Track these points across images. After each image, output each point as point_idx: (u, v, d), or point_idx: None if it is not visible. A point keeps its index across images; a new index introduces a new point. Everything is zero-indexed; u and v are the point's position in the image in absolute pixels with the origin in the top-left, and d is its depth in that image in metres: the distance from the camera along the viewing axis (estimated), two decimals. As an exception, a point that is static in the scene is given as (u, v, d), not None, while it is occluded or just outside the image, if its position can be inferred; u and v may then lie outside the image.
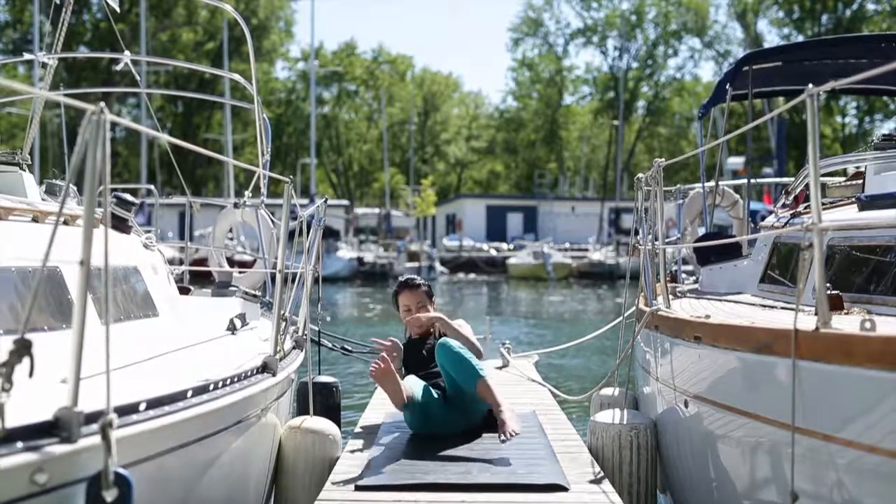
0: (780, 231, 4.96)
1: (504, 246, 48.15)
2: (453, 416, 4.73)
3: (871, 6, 50.96)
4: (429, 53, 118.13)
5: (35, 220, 4.02)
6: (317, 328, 6.30)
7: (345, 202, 52.91)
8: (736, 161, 31.54)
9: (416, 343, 5.17)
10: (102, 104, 2.16)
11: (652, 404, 4.88)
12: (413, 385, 4.73)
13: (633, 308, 5.64)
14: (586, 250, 43.72)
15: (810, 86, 2.81)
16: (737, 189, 8.05)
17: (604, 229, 48.23)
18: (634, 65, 60.96)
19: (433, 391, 4.79)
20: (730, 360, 3.42)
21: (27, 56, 7.24)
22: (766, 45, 45.66)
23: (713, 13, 63.69)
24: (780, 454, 3.04)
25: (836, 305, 3.38)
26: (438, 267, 40.28)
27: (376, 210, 52.52)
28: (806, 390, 2.80)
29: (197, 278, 7.78)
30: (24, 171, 5.09)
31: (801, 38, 48.59)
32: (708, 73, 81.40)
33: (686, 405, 4.00)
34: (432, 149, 67.10)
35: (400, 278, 5.35)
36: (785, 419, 2.89)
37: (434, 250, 43.71)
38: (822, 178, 5.27)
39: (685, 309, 4.76)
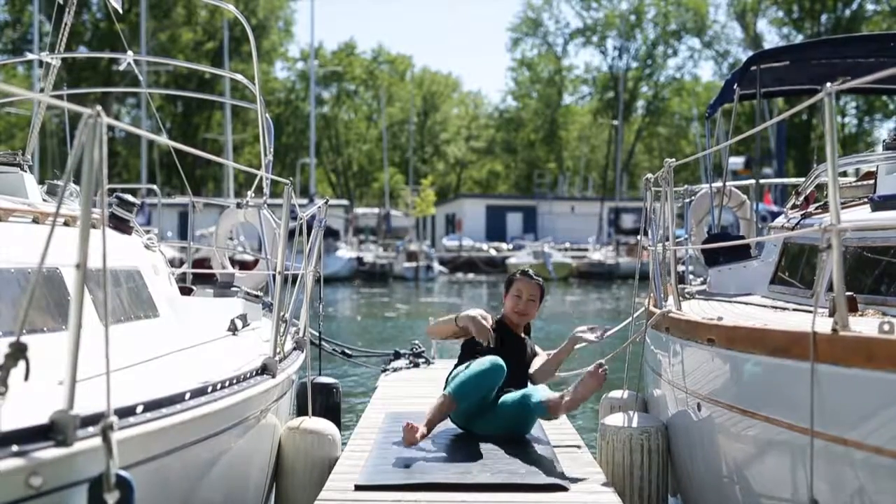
0: (797, 232, 4.87)
1: (504, 246, 48.10)
2: (498, 418, 4.69)
3: (870, 6, 50.99)
4: (428, 53, 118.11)
5: (36, 221, 4.03)
6: (318, 329, 6.31)
7: (344, 202, 52.86)
8: (736, 161, 31.49)
9: (509, 335, 5.06)
10: (99, 107, 2.17)
11: (662, 407, 4.85)
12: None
13: (643, 309, 5.62)
14: (586, 250, 43.68)
15: (828, 84, 2.77)
16: (743, 189, 8.04)
17: (603, 229, 48.16)
18: (634, 65, 60.95)
19: (492, 394, 4.72)
20: (745, 363, 3.36)
21: (30, 56, 7.26)
22: (766, 45, 45.65)
23: (712, 13, 63.74)
24: (797, 458, 2.99)
25: (850, 307, 3.36)
26: (437, 267, 40.25)
27: (376, 210, 52.45)
28: (824, 393, 2.76)
29: (199, 278, 7.78)
30: (25, 172, 5.10)
31: (800, 38, 48.58)
32: (707, 73, 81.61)
33: (699, 408, 3.96)
34: (432, 149, 67.05)
35: (523, 269, 5.38)
36: (802, 423, 2.85)
37: (433, 250, 43.67)
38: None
39: (695, 310, 4.73)
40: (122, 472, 2.23)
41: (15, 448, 2.07)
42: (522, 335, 5.19)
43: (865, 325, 2.93)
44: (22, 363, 2.12)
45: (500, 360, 4.61)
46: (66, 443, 2.18)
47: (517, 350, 5.02)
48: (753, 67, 6.50)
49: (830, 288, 3.16)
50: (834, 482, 2.82)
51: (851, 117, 54.53)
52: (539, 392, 4.64)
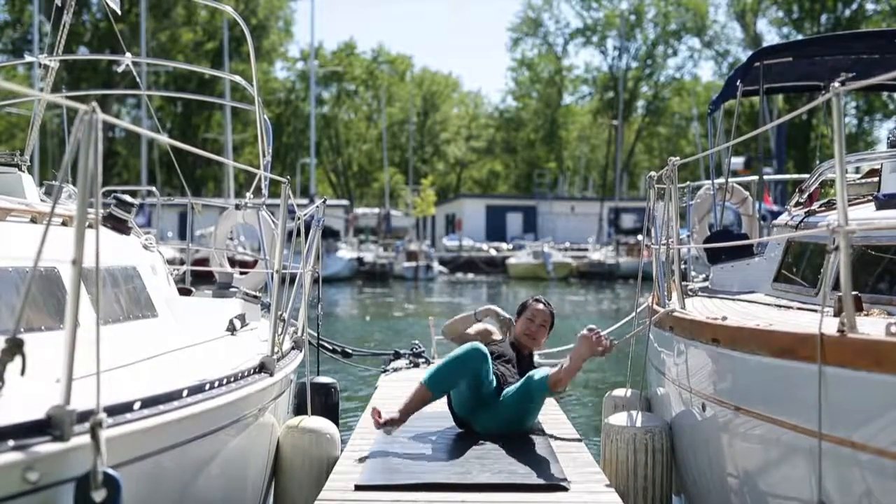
0: (803, 233, 4.84)
1: (504, 246, 48.10)
2: (501, 412, 4.72)
3: (870, 6, 50.97)
4: (429, 53, 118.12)
5: (33, 220, 4.03)
6: (316, 329, 6.29)
7: (344, 202, 52.85)
8: (736, 161, 31.50)
9: (519, 354, 5.20)
10: (95, 103, 2.16)
11: (666, 406, 4.84)
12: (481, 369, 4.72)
13: (644, 306, 5.60)
14: (586, 250, 43.67)
15: (835, 84, 2.74)
16: (745, 186, 8.03)
17: (603, 229, 48.16)
18: (634, 64, 60.93)
19: (493, 384, 4.79)
20: (750, 364, 3.34)
21: (28, 58, 7.26)
22: (766, 45, 45.58)
23: (712, 13, 63.68)
24: (803, 460, 2.96)
25: (855, 307, 3.35)
26: (436, 267, 40.25)
27: (376, 210, 52.47)
28: (830, 395, 2.73)
29: (198, 279, 7.77)
30: (24, 172, 5.10)
31: (800, 38, 48.59)
32: (707, 72, 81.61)
33: (703, 408, 3.94)
34: (432, 149, 67.04)
35: (535, 296, 5.55)
36: (808, 425, 2.83)
37: (433, 250, 43.66)
38: (832, 175, 5.23)
39: (698, 308, 4.72)
40: (110, 470, 2.22)
41: (11, 443, 2.07)
42: (528, 354, 5.30)
43: (871, 325, 2.90)
44: (18, 358, 2.12)
45: (479, 346, 4.73)
46: (62, 438, 2.17)
47: (526, 368, 5.10)
48: (757, 63, 6.49)
49: (835, 287, 3.13)
50: (840, 484, 2.80)
51: (851, 117, 54.51)
52: (538, 372, 4.73)
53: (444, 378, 4.69)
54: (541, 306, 5.34)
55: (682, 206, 7.44)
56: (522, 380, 4.75)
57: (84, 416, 2.23)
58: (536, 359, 5.42)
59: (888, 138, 5.37)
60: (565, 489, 3.84)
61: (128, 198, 5.27)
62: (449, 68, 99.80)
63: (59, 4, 5.96)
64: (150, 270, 4.95)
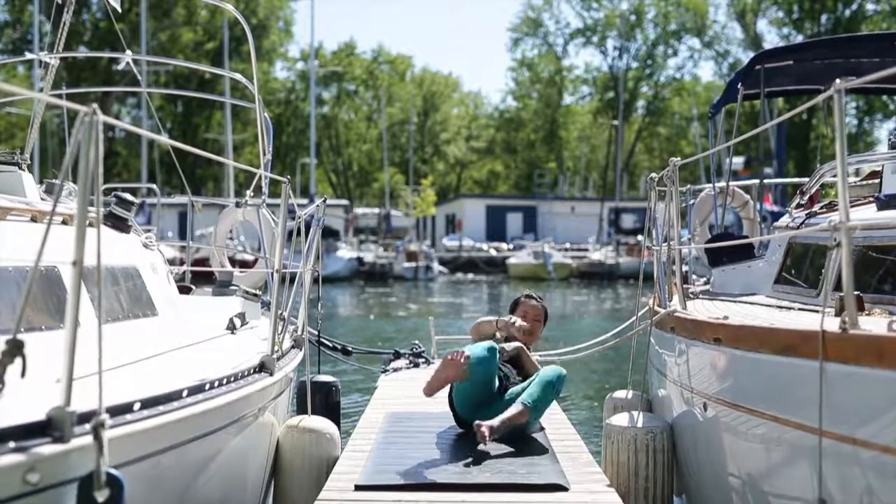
0: (805, 230, 4.83)
1: (504, 246, 48.13)
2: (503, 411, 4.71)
3: (870, 6, 50.98)
4: (429, 53, 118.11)
5: (34, 219, 4.01)
6: (317, 328, 6.29)
7: (344, 202, 52.86)
8: (736, 161, 31.51)
9: (516, 353, 5.18)
10: (95, 105, 2.16)
11: (668, 407, 4.84)
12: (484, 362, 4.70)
13: (646, 308, 5.61)
14: (586, 250, 43.68)
15: (837, 81, 2.75)
16: (746, 189, 8.03)
17: (603, 229, 48.14)
18: (634, 65, 60.95)
19: (496, 382, 4.80)
20: (752, 363, 3.34)
21: (29, 56, 7.27)
22: (766, 46, 45.62)
23: (713, 13, 63.69)
24: (805, 458, 2.96)
25: (857, 306, 3.35)
26: (436, 267, 40.26)
27: (376, 210, 52.49)
28: (832, 392, 2.73)
29: (198, 278, 7.77)
30: (24, 171, 5.09)
31: (800, 39, 48.59)
32: (707, 73, 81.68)
33: (704, 408, 3.95)
34: (432, 149, 67.04)
35: (526, 292, 5.52)
36: (810, 422, 2.83)
37: (433, 250, 43.68)
38: (833, 178, 5.24)
39: (699, 310, 4.72)
40: (113, 471, 2.22)
41: (12, 444, 2.07)
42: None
43: (872, 324, 2.90)
44: (18, 360, 2.12)
45: (493, 345, 4.74)
46: (62, 439, 2.17)
47: (526, 365, 5.10)
48: (757, 67, 6.49)
49: (836, 287, 3.13)
50: (842, 482, 2.80)
51: (851, 118, 54.48)
52: (533, 391, 4.66)
53: (480, 365, 4.64)
54: (533, 302, 5.34)
55: (683, 206, 7.43)
56: (522, 386, 4.75)
57: (84, 418, 2.23)
58: (537, 357, 5.41)
59: (889, 139, 5.36)
60: (565, 489, 3.84)
61: (128, 196, 5.26)
62: (449, 68, 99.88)
63: (60, 2, 5.95)
64: (151, 269, 4.94)
